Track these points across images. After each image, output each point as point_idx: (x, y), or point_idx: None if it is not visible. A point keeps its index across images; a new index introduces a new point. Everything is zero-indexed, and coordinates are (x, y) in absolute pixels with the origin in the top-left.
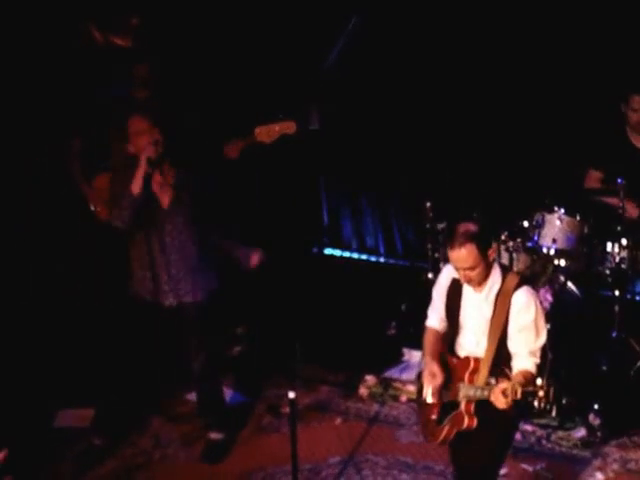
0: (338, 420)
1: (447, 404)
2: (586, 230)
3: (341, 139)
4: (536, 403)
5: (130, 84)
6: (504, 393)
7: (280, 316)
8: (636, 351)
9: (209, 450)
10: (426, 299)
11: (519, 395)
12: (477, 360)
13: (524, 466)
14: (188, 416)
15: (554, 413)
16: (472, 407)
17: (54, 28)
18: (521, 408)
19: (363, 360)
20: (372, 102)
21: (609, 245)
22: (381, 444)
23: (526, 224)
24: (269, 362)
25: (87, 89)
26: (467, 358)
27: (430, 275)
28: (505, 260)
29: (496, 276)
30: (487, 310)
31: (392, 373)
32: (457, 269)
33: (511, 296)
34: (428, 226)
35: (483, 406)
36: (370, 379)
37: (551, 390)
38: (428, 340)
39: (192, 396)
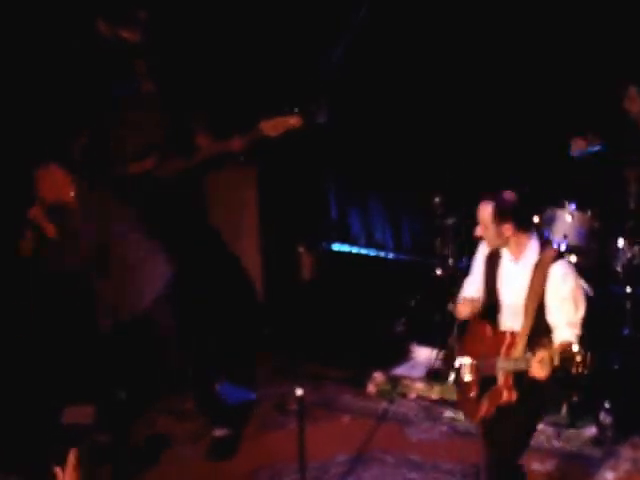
0: (346, 418)
1: (485, 380)
2: (597, 226)
3: (349, 133)
4: (573, 369)
5: (136, 80)
6: (542, 362)
7: (287, 313)
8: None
9: (214, 447)
10: (435, 295)
11: (556, 362)
12: (514, 334)
13: (534, 465)
14: (194, 413)
15: (564, 411)
16: (510, 380)
17: (60, 23)
18: (558, 377)
19: (371, 357)
20: (380, 95)
21: (621, 241)
22: (389, 442)
23: (536, 220)
24: (276, 358)
25: (93, 86)
26: (504, 332)
27: (439, 271)
28: None
29: (533, 247)
30: (524, 280)
31: (401, 370)
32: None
33: (548, 268)
34: (437, 222)
35: (520, 379)
36: (378, 376)
37: (588, 355)
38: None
39: None
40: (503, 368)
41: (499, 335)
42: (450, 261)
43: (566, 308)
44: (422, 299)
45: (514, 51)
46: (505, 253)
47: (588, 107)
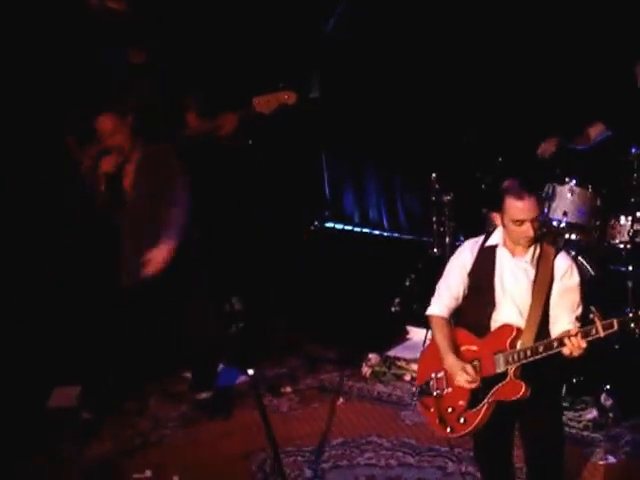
0: (340, 400)
1: (484, 381)
2: (598, 202)
3: (343, 109)
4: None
5: (126, 51)
6: (587, 334)
7: (279, 292)
8: None
9: (201, 408)
10: (431, 275)
11: (616, 326)
12: (519, 328)
13: None
14: (187, 395)
15: (564, 393)
16: (519, 373)
17: None
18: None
19: (366, 338)
20: (375, 71)
21: (622, 218)
22: (384, 425)
23: None
24: (268, 340)
25: (84, 59)
26: (505, 326)
27: (435, 250)
28: None
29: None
30: (532, 274)
31: (396, 352)
32: (520, 223)
33: (553, 259)
34: (433, 198)
35: (529, 369)
36: (373, 358)
37: None
38: (442, 335)
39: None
40: (513, 360)
41: (500, 330)
42: (447, 239)
43: (572, 300)
44: (418, 279)
45: (511, 29)
46: (501, 251)
47: (590, 89)
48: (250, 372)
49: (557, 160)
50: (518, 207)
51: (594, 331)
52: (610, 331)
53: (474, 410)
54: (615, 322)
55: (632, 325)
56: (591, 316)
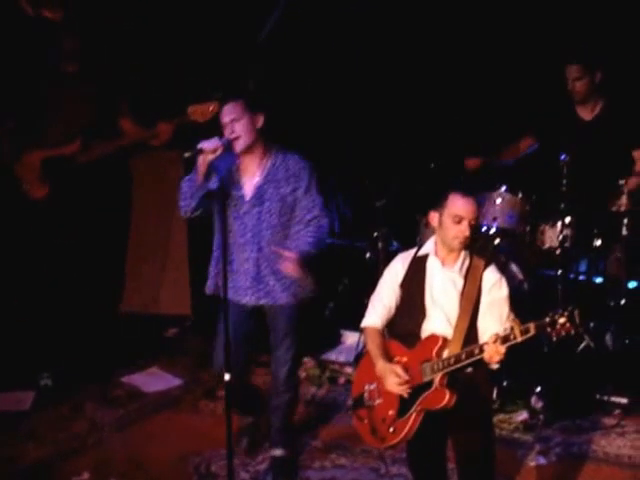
0: None
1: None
2: (528, 208)
3: (276, 113)
4: (557, 332)
5: (60, 58)
6: (506, 339)
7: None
8: (579, 332)
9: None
10: (364, 280)
11: (533, 330)
12: (445, 338)
13: None
14: (123, 399)
15: (494, 395)
16: (445, 381)
17: None
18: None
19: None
20: (308, 75)
21: (552, 223)
22: (318, 427)
23: None
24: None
25: (18, 63)
26: (432, 336)
27: (368, 255)
28: None
29: (466, 251)
30: (459, 284)
31: (330, 355)
32: (459, 221)
33: (482, 272)
34: (366, 204)
35: (456, 377)
36: (307, 361)
37: (576, 312)
38: (375, 343)
39: (127, 379)
40: (439, 369)
41: (427, 340)
42: (380, 244)
43: (500, 312)
44: (351, 283)
45: (446, 35)
46: (432, 260)
47: (520, 97)
48: (227, 377)
49: (484, 172)
50: (460, 202)
51: (512, 336)
52: (527, 336)
53: (403, 419)
54: (532, 327)
55: (549, 329)
56: (508, 322)
